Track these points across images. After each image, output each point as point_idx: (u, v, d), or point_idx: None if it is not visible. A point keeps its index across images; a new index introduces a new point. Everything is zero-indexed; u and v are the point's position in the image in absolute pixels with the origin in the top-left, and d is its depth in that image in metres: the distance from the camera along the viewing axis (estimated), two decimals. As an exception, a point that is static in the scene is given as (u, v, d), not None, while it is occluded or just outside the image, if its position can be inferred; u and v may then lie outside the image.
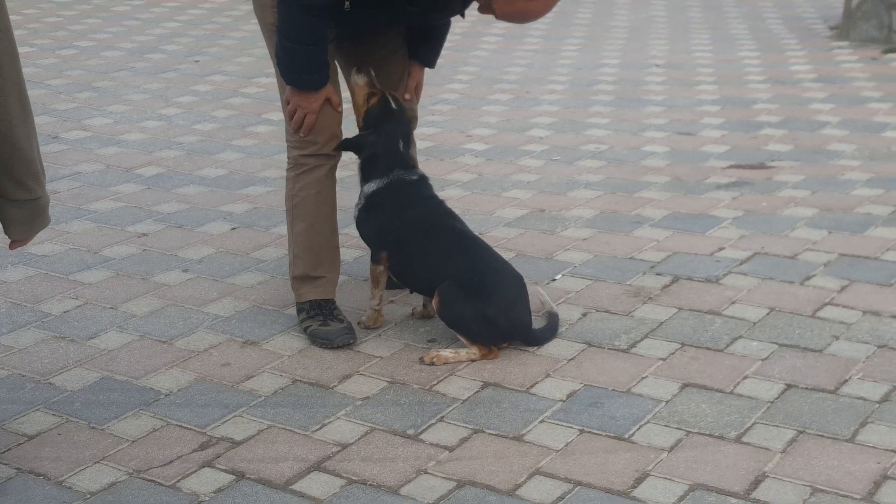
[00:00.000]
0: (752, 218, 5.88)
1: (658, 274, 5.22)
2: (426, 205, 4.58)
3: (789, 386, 4.24)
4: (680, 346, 4.56)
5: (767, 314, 4.80)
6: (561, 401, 4.18)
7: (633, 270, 5.26)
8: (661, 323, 4.74)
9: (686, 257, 5.39)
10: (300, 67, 4.42)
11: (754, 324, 4.72)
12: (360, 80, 4.51)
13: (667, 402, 4.16)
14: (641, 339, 4.61)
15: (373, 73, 4.51)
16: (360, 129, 4.54)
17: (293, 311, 4.82)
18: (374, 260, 4.62)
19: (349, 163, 6.40)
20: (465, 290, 4.40)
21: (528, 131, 7.52)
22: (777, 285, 5.07)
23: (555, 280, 5.18)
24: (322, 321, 4.61)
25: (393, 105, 4.52)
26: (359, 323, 4.68)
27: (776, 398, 4.16)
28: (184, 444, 3.93)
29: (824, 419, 4.01)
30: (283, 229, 5.73)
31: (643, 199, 6.18)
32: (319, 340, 4.58)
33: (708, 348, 4.53)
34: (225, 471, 3.79)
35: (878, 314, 4.78)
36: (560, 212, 6.03)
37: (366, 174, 4.57)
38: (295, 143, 4.62)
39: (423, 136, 7.12)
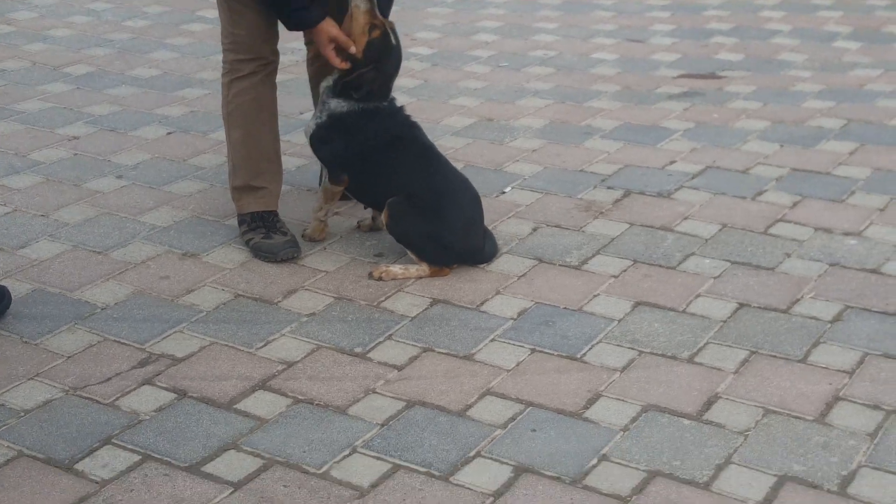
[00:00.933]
0: (704, 130, 5.79)
1: (609, 188, 5.11)
2: (392, 119, 4.42)
3: (742, 305, 4.18)
4: (632, 262, 4.47)
5: (719, 230, 4.72)
6: (512, 319, 4.09)
7: (584, 183, 5.16)
8: (613, 239, 4.65)
9: (637, 171, 5.29)
10: (281, 4, 4.25)
11: (706, 240, 4.64)
12: (362, 4, 4.24)
13: (619, 320, 4.08)
14: (593, 256, 4.52)
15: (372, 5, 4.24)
16: (356, 61, 4.27)
17: (234, 221, 4.68)
18: (335, 180, 4.47)
19: (289, 65, 6.24)
20: (417, 206, 4.28)
21: (475, 35, 7.35)
22: (729, 200, 4.99)
23: (504, 193, 5.06)
24: (265, 233, 4.48)
25: (393, 40, 4.32)
26: (302, 235, 4.54)
27: (728, 318, 4.09)
28: (122, 361, 3.81)
29: (776, 339, 3.96)
30: (222, 135, 5.54)
31: (593, 109, 6.06)
32: (262, 254, 4.45)
33: (660, 265, 4.45)
34: (166, 388, 3.67)
35: (830, 231, 4.71)
36: (509, 121, 5.90)
37: (338, 91, 4.32)
38: (229, 45, 4.45)
39: (368, 40, 6.93)
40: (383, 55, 4.28)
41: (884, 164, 5.34)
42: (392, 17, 4.46)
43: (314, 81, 4.75)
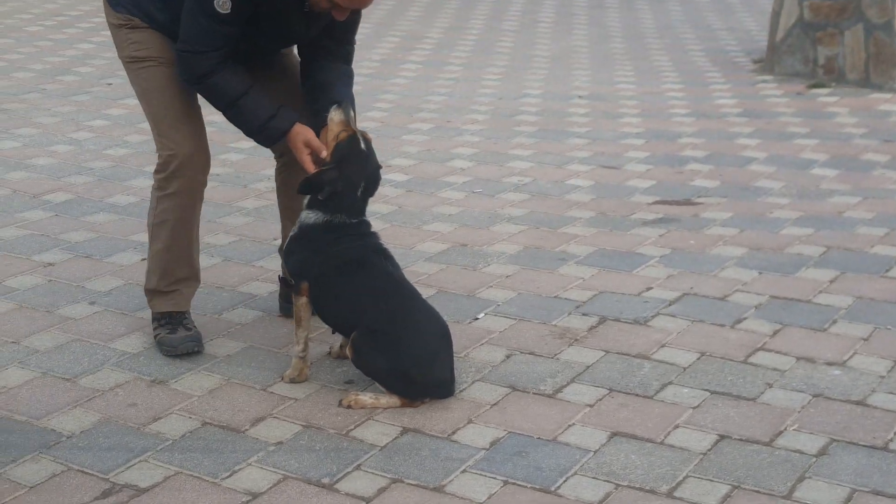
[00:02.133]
0: (680, 256, 5.73)
1: (584, 314, 5.03)
2: (359, 241, 4.35)
3: (722, 437, 4.08)
4: (608, 391, 4.37)
5: (698, 359, 4.63)
6: (484, 449, 3.97)
7: (559, 310, 5.08)
8: (588, 367, 4.56)
9: (613, 297, 5.22)
10: (250, 122, 4.37)
11: (685, 369, 4.55)
12: (337, 115, 4.27)
13: (595, 451, 3.97)
14: (568, 384, 4.42)
15: (352, 112, 4.28)
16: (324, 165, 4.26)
17: (207, 348, 4.60)
18: (296, 290, 4.38)
19: (265, 192, 6.20)
20: (380, 340, 4.19)
21: (450, 162, 7.34)
22: (707, 328, 4.91)
23: (477, 319, 4.98)
24: (171, 329, 4.55)
25: (362, 145, 4.29)
26: (282, 378, 4.42)
27: (709, 450, 3.99)
28: (85, 492, 3.68)
29: (759, 474, 3.85)
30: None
31: (568, 235, 6.01)
32: (164, 348, 4.54)
33: (637, 395, 4.35)
34: (126, 523, 3.53)
35: (812, 361, 4.63)
36: (482, 247, 5.84)
37: (313, 202, 4.29)
38: (162, 165, 4.49)
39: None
40: (348, 156, 4.24)
41: (865, 293, 5.28)
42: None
43: (281, 191, 4.82)
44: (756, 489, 3.76)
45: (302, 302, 4.36)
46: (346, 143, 4.24)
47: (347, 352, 4.26)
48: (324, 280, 4.31)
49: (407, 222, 6.18)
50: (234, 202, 6.41)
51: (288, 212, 4.79)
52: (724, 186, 6.88)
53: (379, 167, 4.36)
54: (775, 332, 4.88)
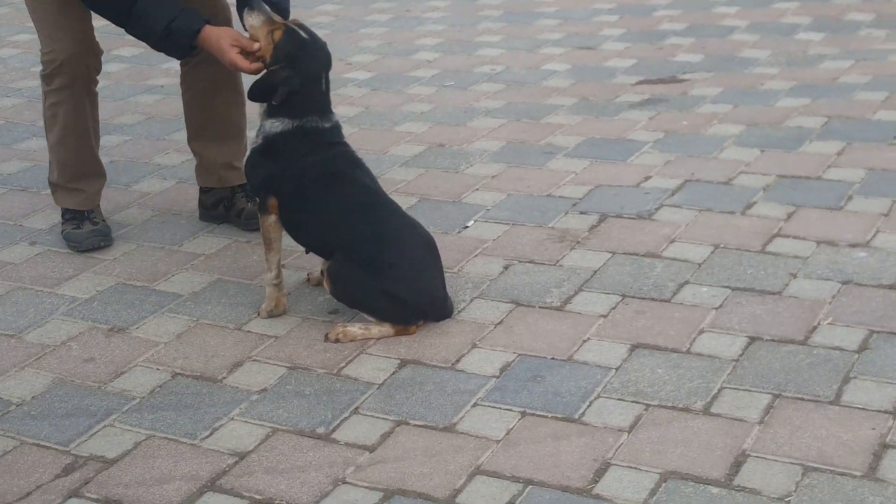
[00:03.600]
0: (675, 139, 5.29)
1: (582, 213, 4.59)
2: (331, 151, 3.87)
3: (753, 339, 3.66)
4: (620, 298, 3.95)
5: (712, 253, 4.21)
6: (494, 377, 3.55)
7: (554, 210, 4.63)
8: (595, 272, 4.12)
9: (610, 191, 4.77)
10: (149, 28, 4.00)
11: (699, 265, 4.12)
12: (255, 19, 3.82)
13: (616, 369, 3.55)
14: (576, 293, 3.99)
15: (267, 7, 3.81)
16: (266, 63, 3.82)
17: (165, 285, 4.15)
18: (262, 208, 3.92)
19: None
20: (359, 263, 3.74)
21: (415, 55, 6.82)
22: (717, 217, 4.48)
23: (467, 228, 4.53)
24: (76, 224, 4.47)
25: (304, 35, 3.79)
26: (258, 313, 3.97)
27: (740, 355, 3.58)
28: (44, 469, 3.23)
29: (800, 378, 3.45)
30: (147, 186, 5.06)
31: (551, 125, 5.54)
32: (70, 244, 4.45)
33: (653, 299, 3.93)
34: (96, 500, 3.09)
35: (834, 244, 4.22)
36: (462, 145, 5.36)
37: (272, 109, 3.81)
38: (48, 58, 4.31)
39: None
40: (295, 50, 3.76)
41: (876, 164, 4.87)
42: (325, 41, 3.93)
43: (190, 100, 4.61)
44: (799, 396, 3.36)
45: (270, 221, 3.90)
46: (284, 38, 3.76)
47: (325, 284, 3.81)
48: (296, 196, 3.84)
49: (376, 124, 5.70)
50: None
51: (199, 118, 4.56)
52: (708, 60, 6.41)
53: (326, 45, 3.89)
54: (789, 216, 4.46)
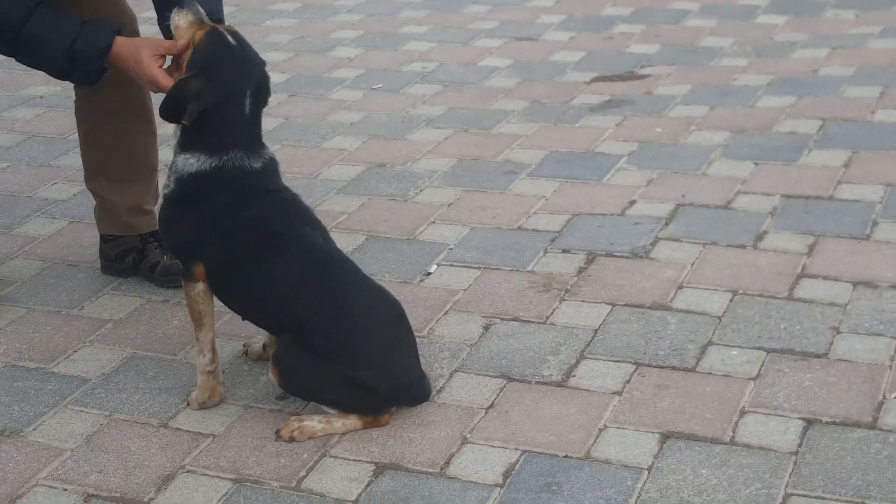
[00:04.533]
0: (651, 151, 4.59)
1: (565, 251, 3.87)
2: (268, 203, 3.07)
3: (809, 422, 2.99)
4: (634, 367, 3.23)
5: (731, 301, 3.52)
6: (498, 486, 2.81)
7: (530, 248, 3.90)
8: (596, 331, 3.40)
9: (592, 221, 4.05)
10: (47, 53, 3.18)
11: (720, 319, 3.43)
12: (182, 18, 3.03)
13: (649, 469, 2.83)
14: (578, 362, 3.27)
15: (201, 10, 3.04)
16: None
17: (67, 366, 3.40)
18: (186, 275, 3.11)
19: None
20: (315, 346, 2.96)
21: (333, 51, 6.03)
22: (725, 253, 3.79)
23: (429, 275, 3.77)
24: None
25: (230, 40, 2.99)
26: (187, 402, 3.17)
27: (799, 445, 2.89)
28: None
29: (883, 478, 2.75)
30: (29, 227, 4.22)
31: (506, 137, 4.81)
32: None
33: (673, 367, 3.22)
34: None
35: (873, 285, 3.56)
36: (406, 165, 4.60)
37: (188, 139, 3.02)
38: None
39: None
40: (214, 55, 2.96)
41: (894, 178, 4.20)
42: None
43: (88, 132, 3.78)
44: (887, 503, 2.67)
45: (198, 291, 3.10)
46: (205, 40, 2.97)
47: (272, 376, 3.02)
48: (228, 263, 3.05)
49: (300, 139, 4.91)
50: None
51: (99, 152, 3.75)
52: (666, 50, 5.72)
53: (264, 64, 3.08)
54: (810, 248, 3.79)
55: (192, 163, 2.99)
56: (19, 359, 3.42)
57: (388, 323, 3.03)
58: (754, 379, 3.14)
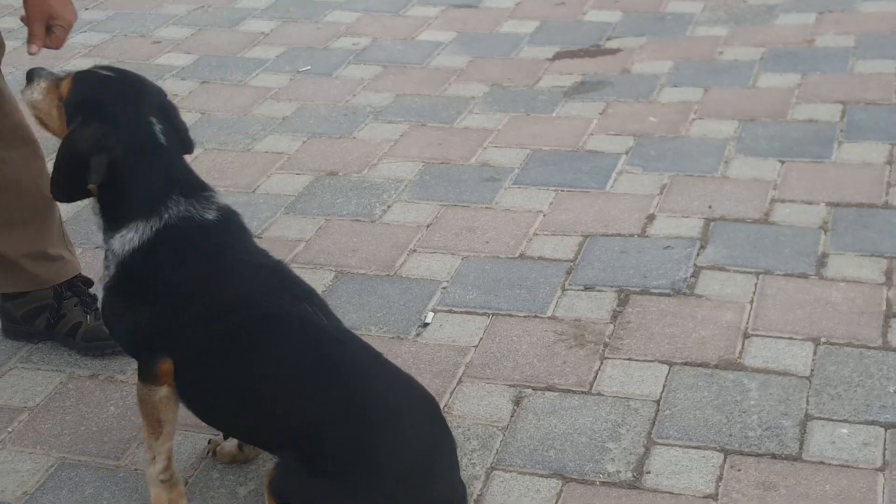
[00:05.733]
0: (654, 146, 3.87)
1: (588, 288, 3.13)
2: (249, 274, 2.29)
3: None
4: (721, 455, 2.52)
5: (815, 353, 2.83)
6: None
7: (543, 284, 3.15)
8: (659, 404, 2.68)
9: (610, 245, 3.32)
10: None
11: (809, 380, 2.73)
12: (35, 91, 2.39)
13: None
14: (647, 451, 2.55)
15: (49, 71, 2.42)
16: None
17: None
18: (144, 375, 2.32)
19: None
20: (325, 466, 2.16)
21: (242, 24, 5.15)
22: (788, 287, 3.10)
23: (426, 326, 3.00)
24: None
25: (104, 72, 2.35)
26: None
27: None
28: None
29: None
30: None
31: (474, 133, 4.04)
32: None
33: (774, 455, 2.52)
34: None
35: (977, 323, 2.88)
36: (362, 172, 3.81)
37: (111, 211, 2.31)
38: None
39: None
40: (94, 95, 2.31)
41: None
42: (115, 14, 2.45)
43: None
44: None
45: (161, 397, 2.32)
46: (75, 85, 2.34)
47: (267, 500, 2.22)
48: (204, 359, 2.24)
49: (226, 141, 4.07)
50: None
51: None
52: (630, 18, 5.00)
53: (160, 91, 2.42)
54: (888, 275, 3.10)
55: (131, 237, 2.28)
56: None
57: (423, 427, 2.25)
58: (881, 470, 2.45)
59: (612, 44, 4.74)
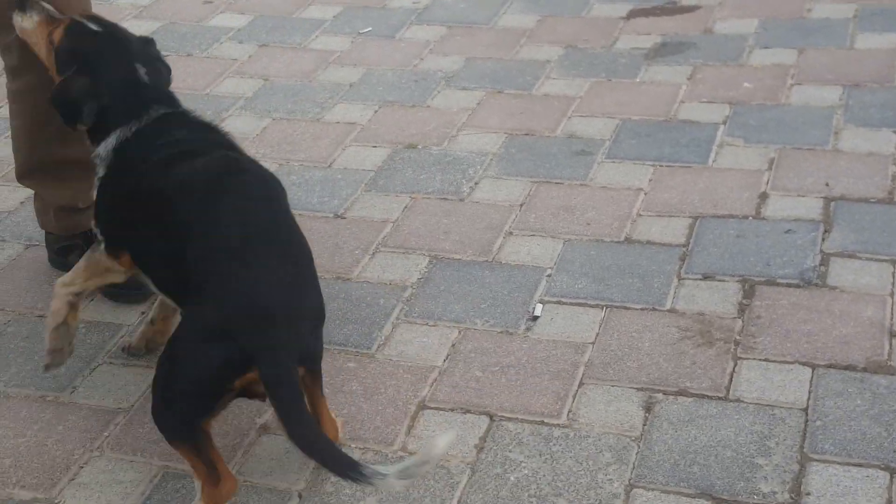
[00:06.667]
0: (753, 117, 3.62)
1: (707, 277, 2.88)
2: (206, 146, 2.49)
3: None
4: (886, 473, 2.30)
5: (970, 353, 2.56)
6: None
7: (657, 272, 2.92)
8: (807, 412, 2.45)
9: (723, 227, 3.09)
10: None
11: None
12: (28, 21, 2.64)
13: None
14: (803, 468, 2.33)
15: (46, 5, 2.66)
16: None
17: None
18: (108, 253, 2.53)
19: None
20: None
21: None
22: (927, 274, 2.84)
23: (536, 319, 2.75)
24: None
25: (93, 27, 2.60)
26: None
27: None
28: None
29: None
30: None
31: (556, 101, 3.79)
32: None
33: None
34: None
35: None
36: (442, 145, 3.56)
37: (98, 135, 2.55)
38: None
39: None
40: (83, 48, 2.56)
41: None
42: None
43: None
44: None
45: (104, 264, 2.54)
46: (65, 35, 2.58)
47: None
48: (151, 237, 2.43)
49: (294, 109, 3.84)
50: None
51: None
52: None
53: (148, 41, 2.67)
54: None
55: (111, 140, 2.52)
56: (-13, 494, 2.33)
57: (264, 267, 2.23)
58: None
59: (689, 0, 4.46)
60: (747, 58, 3.98)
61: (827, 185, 3.22)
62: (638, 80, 3.90)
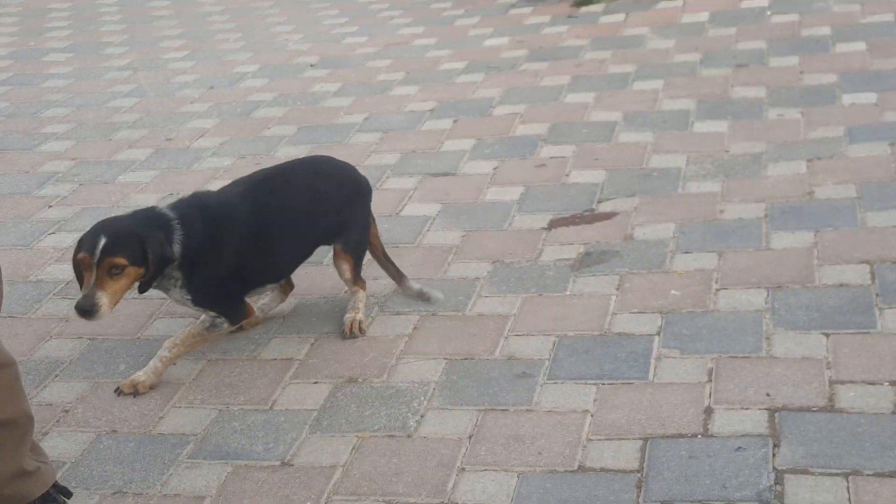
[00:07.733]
0: (685, 324, 3.71)
1: (670, 504, 2.87)
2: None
3: None
4: None
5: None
6: None
7: (612, 500, 2.90)
8: None
9: (675, 448, 3.11)
10: None
11: None
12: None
13: None
14: None
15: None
16: (145, 278, 3.44)
17: None
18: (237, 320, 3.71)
19: None
20: None
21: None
22: (884, 489, 2.88)
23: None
24: None
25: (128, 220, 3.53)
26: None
27: None
28: None
29: None
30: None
31: (491, 320, 3.85)
32: None
33: None
34: None
35: None
36: (384, 375, 3.55)
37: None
38: None
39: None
40: (128, 231, 3.47)
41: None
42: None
43: None
44: None
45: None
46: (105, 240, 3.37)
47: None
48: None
49: (228, 349, 3.77)
50: None
51: None
52: (615, 177, 4.89)
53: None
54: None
55: (176, 248, 3.52)
56: None
57: None
58: None
59: (606, 206, 4.58)
60: (670, 263, 4.07)
61: (768, 395, 3.26)
62: (568, 292, 3.95)
